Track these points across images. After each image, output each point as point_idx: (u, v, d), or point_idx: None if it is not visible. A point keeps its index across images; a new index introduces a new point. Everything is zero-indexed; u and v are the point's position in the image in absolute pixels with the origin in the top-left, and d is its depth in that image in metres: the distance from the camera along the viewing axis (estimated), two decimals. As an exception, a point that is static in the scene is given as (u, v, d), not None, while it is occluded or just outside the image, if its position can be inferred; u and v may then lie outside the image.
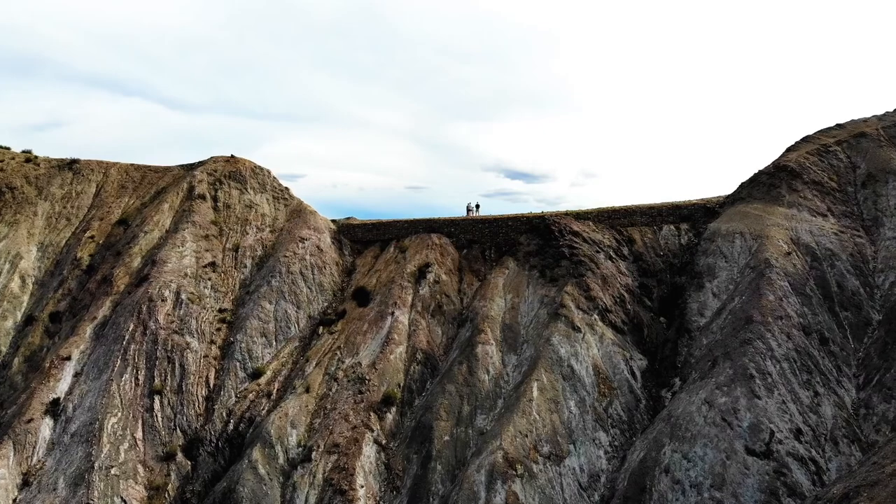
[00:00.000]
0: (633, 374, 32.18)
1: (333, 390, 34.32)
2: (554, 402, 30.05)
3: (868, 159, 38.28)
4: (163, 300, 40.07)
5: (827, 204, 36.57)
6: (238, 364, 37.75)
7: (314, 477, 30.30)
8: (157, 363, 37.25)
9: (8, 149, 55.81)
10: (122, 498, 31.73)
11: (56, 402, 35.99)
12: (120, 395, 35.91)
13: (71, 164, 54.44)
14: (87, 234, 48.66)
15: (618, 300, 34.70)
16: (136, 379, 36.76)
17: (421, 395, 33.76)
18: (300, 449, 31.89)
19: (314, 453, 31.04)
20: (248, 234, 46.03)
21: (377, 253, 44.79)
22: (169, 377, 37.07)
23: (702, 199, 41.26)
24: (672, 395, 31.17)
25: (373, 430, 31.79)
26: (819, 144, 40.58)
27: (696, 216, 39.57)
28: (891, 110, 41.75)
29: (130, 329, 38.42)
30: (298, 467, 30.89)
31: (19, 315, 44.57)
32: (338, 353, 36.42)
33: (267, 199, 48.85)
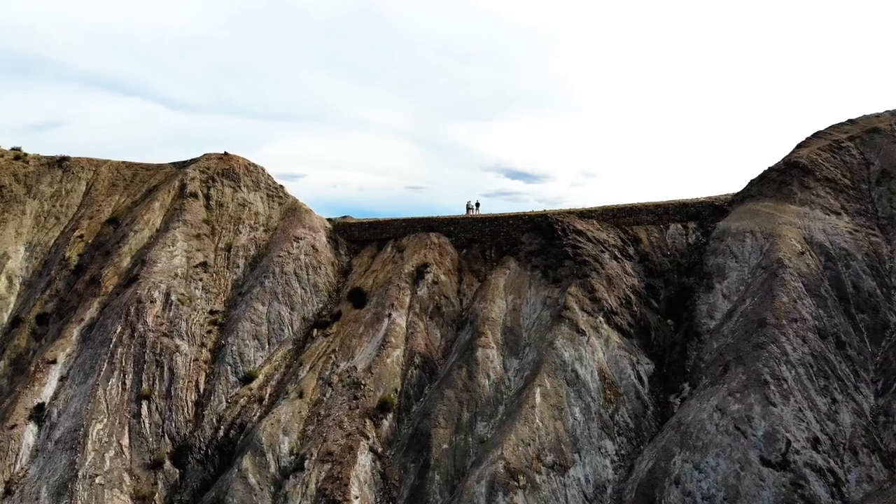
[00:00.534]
0: (639, 378, 30.84)
1: (327, 395, 32.97)
2: (557, 409, 28.70)
3: (882, 155, 36.94)
4: (152, 301, 38.73)
5: (840, 202, 35.23)
6: (229, 368, 36.41)
7: (307, 487, 28.95)
8: (144, 367, 35.90)
9: (-4, 146, 54.50)
10: (106, 508, 30.40)
11: (41, 407, 34.65)
12: (106, 401, 34.56)
13: (61, 162, 53.10)
14: (76, 233, 47.33)
15: (623, 302, 33.35)
16: (123, 383, 35.42)
17: (419, 400, 32.41)
18: (292, 457, 30.54)
19: (307, 462, 29.68)
20: (241, 233, 44.69)
21: (374, 253, 43.45)
22: (157, 381, 35.72)
23: (709, 197, 39.90)
24: (681, 402, 29.82)
25: (368, 438, 30.45)
26: (831, 140, 39.23)
27: (703, 214, 38.23)
28: (905, 105, 40.37)
29: (118, 331, 37.08)
30: (290, 476, 29.54)
31: (6, 317, 43.23)
32: (332, 356, 35.07)
33: (261, 198, 47.51)
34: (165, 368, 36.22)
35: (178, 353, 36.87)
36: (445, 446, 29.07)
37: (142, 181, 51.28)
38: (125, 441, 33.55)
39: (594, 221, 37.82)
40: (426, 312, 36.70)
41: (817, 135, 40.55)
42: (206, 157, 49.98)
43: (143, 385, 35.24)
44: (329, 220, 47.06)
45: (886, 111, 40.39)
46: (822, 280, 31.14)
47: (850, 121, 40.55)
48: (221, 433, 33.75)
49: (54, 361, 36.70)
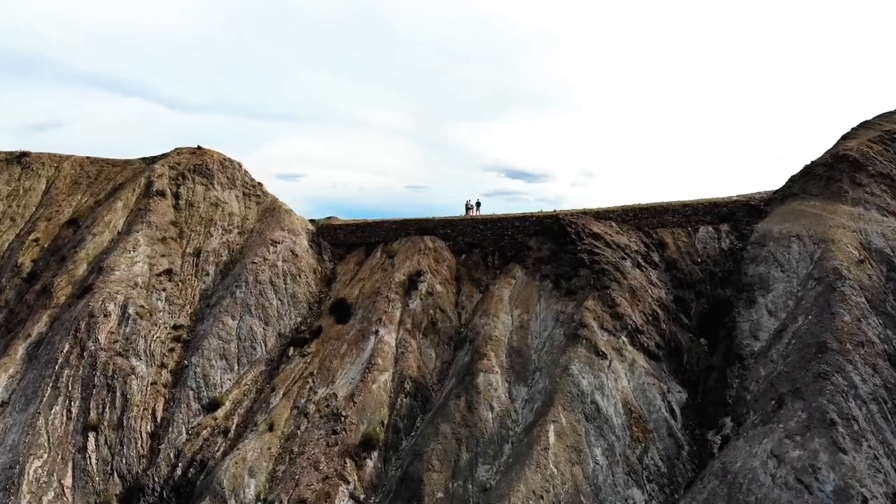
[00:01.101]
0: (671, 411, 25.96)
1: (302, 428, 28.09)
2: (575, 451, 23.81)
3: (944, 148, 32.07)
4: (106, 315, 33.85)
5: (900, 201, 30.35)
6: (191, 393, 31.53)
7: (274, 543, 24.11)
8: (94, 392, 31.05)
9: (-52, 140, 49.60)
10: (36, 567, 25.56)
11: (-28, 439, 29.81)
12: (48, 432, 29.72)
13: (20, 158, 48.27)
14: (32, 236, 42.45)
15: (650, 318, 28.47)
16: (69, 411, 30.57)
17: (409, 435, 27.53)
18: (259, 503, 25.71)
19: (275, 511, 24.84)
20: (212, 236, 39.80)
21: (361, 259, 38.56)
22: (108, 409, 30.86)
23: (743, 196, 35.03)
24: (722, 440, 24.95)
25: (348, 482, 25.57)
26: (881, 131, 34.34)
27: (738, 216, 33.35)
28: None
29: (65, 350, 32.23)
30: (255, 529, 24.71)
31: (-53, 331, 38.34)
32: (310, 380, 30.20)
33: (236, 196, 42.63)
34: (118, 394, 31.36)
35: (133, 376, 32.00)
36: (440, 495, 24.17)
37: (107, 178, 46.40)
38: (67, 481, 28.69)
39: (613, 223, 32.90)
40: (419, 328, 31.82)
41: (865, 125, 35.66)
42: (177, 151, 45.10)
43: (92, 413, 30.40)
44: (312, 221, 42.16)
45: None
46: (887, 294, 26.28)
47: (902, 109, 35.67)
48: (179, 471, 28.88)
49: (-8, 385, 31.86)
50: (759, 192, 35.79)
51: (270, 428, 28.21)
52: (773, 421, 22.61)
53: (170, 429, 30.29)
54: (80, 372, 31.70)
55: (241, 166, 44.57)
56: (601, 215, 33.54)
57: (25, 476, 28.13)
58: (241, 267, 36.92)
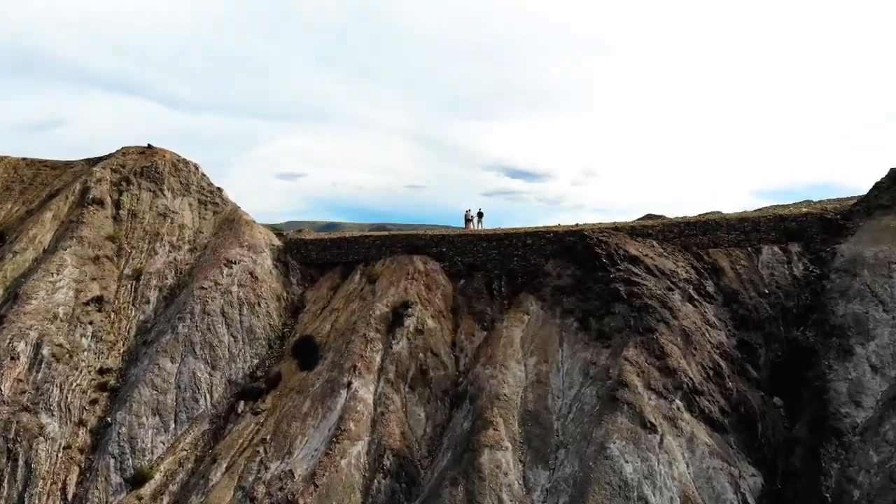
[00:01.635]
0: (747, 507, 18.89)
1: (247, 521, 21.05)
2: (621, 578, 16.77)
3: None
4: (13, 358, 26.81)
5: None
6: (112, 462, 24.50)
7: None
8: (-13, 461, 24.04)
9: None
10: None
11: None
12: (-79, 517, 22.77)
13: (-57, 159, 41.22)
14: (-54, 253, 35.42)
15: (711, 373, 21.40)
16: (-49, 488, 23.57)
17: (389, 533, 20.46)
18: None
19: None
20: (157, 253, 32.76)
21: (337, 282, 31.48)
22: (6, 484, 23.85)
23: (814, 205, 27.99)
24: (822, 554, 17.96)
25: None
26: None
27: (810, 232, 26.30)
28: None
29: (-45, 405, 25.22)
30: None
31: None
32: (261, 450, 23.14)
33: (189, 205, 35.56)
34: (20, 463, 24.34)
35: (41, 438, 24.97)
36: None
37: (43, 184, 39.34)
38: (-62, 586, 21.73)
39: (653, 242, 25.83)
40: (404, 379, 24.76)
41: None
42: (123, 151, 38.04)
43: (-19, 491, 23.40)
44: (279, 234, 35.08)
45: None
46: None
47: None
48: (87, 574, 21.88)
49: None
50: (830, 199, 28.79)
51: (205, 519, 21.17)
52: (912, 543, 15.60)
53: (80, 512, 23.26)
54: (-29, 434, 24.69)
55: (197, 169, 37.51)
56: (637, 231, 26.43)
57: None
58: (187, 294, 29.88)
